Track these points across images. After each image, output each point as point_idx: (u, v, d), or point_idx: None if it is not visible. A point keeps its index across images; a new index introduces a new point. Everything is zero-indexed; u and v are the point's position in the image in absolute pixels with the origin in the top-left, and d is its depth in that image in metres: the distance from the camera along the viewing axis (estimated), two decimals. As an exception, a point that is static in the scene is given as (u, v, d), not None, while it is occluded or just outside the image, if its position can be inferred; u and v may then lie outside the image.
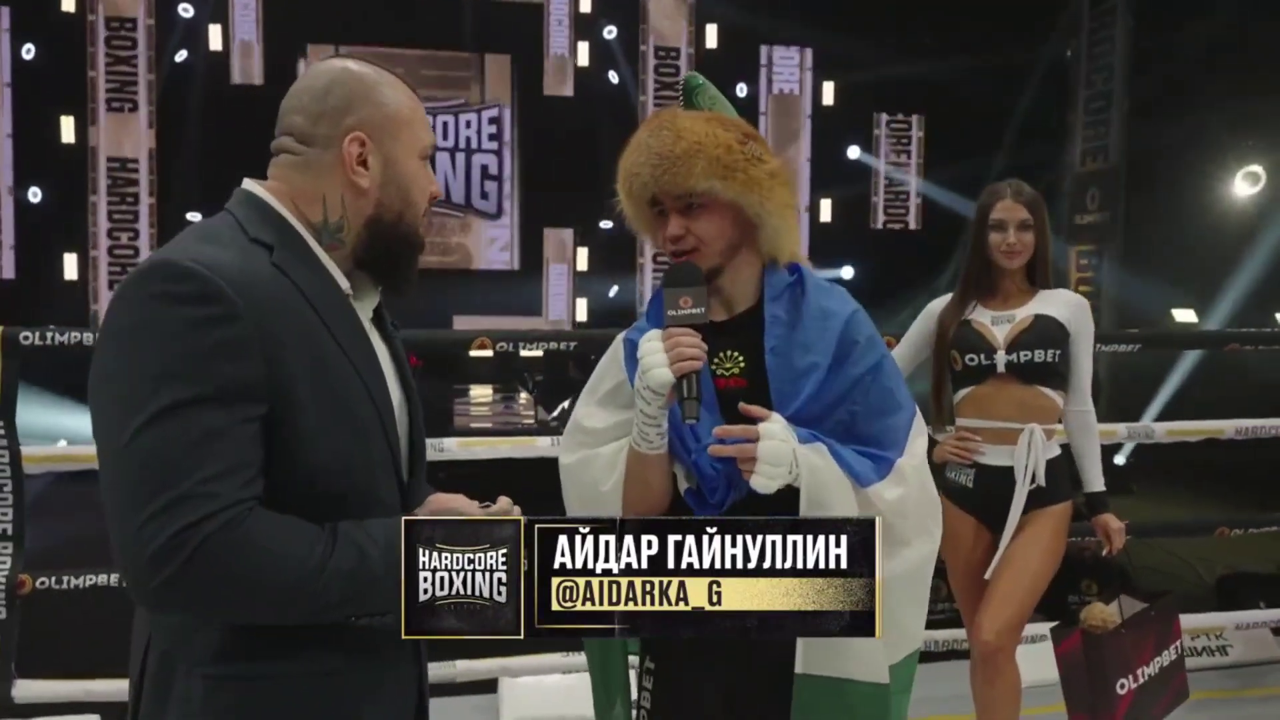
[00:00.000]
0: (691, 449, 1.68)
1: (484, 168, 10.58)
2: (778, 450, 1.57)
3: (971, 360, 2.84)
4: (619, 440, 1.71)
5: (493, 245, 10.67)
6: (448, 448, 2.88)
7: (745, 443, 1.58)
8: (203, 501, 1.18)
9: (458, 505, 1.39)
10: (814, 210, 10.62)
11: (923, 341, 2.99)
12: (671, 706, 1.74)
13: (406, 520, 1.32)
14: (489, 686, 3.54)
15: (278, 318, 1.26)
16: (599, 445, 1.74)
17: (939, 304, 3.00)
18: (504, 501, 1.41)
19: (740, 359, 1.70)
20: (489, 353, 10.03)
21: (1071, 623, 2.80)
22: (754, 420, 1.61)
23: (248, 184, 1.39)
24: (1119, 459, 8.60)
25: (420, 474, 1.51)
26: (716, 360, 1.70)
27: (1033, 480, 2.79)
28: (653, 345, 1.59)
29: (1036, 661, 3.40)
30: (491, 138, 10.53)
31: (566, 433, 1.79)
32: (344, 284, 1.39)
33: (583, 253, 10.62)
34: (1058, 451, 2.87)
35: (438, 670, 3.09)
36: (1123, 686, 2.75)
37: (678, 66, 10.37)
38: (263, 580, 1.21)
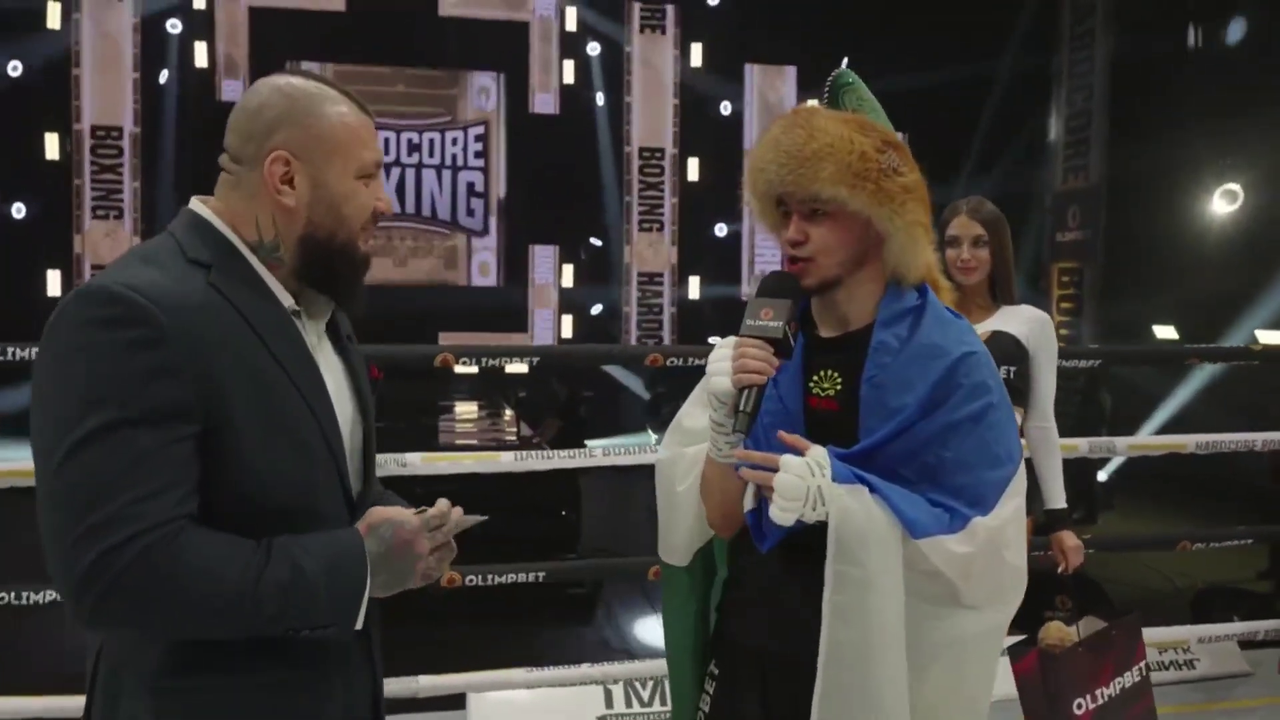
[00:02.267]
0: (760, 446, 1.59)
1: (470, 185, 10.61)
2: (792, 485, 1.48)
3: (929, 376, 2.86)
4: (703, 444, 1.65)
5: (478, 262, 10.70)
6: (410, 462, 2.89)
7: (766, 470, 1.50)
8: (129, 523, 1.19)
9: (393, 515, 1.40)
10: (798, 226, 10.63)
11: None
12: (726, 712, 1.70)
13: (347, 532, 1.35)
14: (457, 702, 3.53)
15: (210, 337, 1.27)
16: (692, 444, 1.69)
17: None
18: (442, 504, 1.42)
19: (839, 380, 1.60)
20: (474, 369, 10.08)
21: (1031, 641, 2.79)
22: (793, 450, 1.52)
23: (194, 203, 1.40)
24: (1101, 475, 8.64)
25: (371, 488, 1.52)
26: (815, 379, 1.62)
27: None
28: (722, 352, 1.54)
29: (1002, 677, 3.40)
30: (477, 155, 10.57)
31: (669, 430, 1.75)
32: (287, 301, 1.39)
33: (568, 270, 10.65)
34: (1018, 467, 2.88)
35: (400, 685, 3.09)
36: (1079, 706, 2.72)
37: (663, 84, 10.43)
38: (194, 598, 1.23)
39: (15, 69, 9.34)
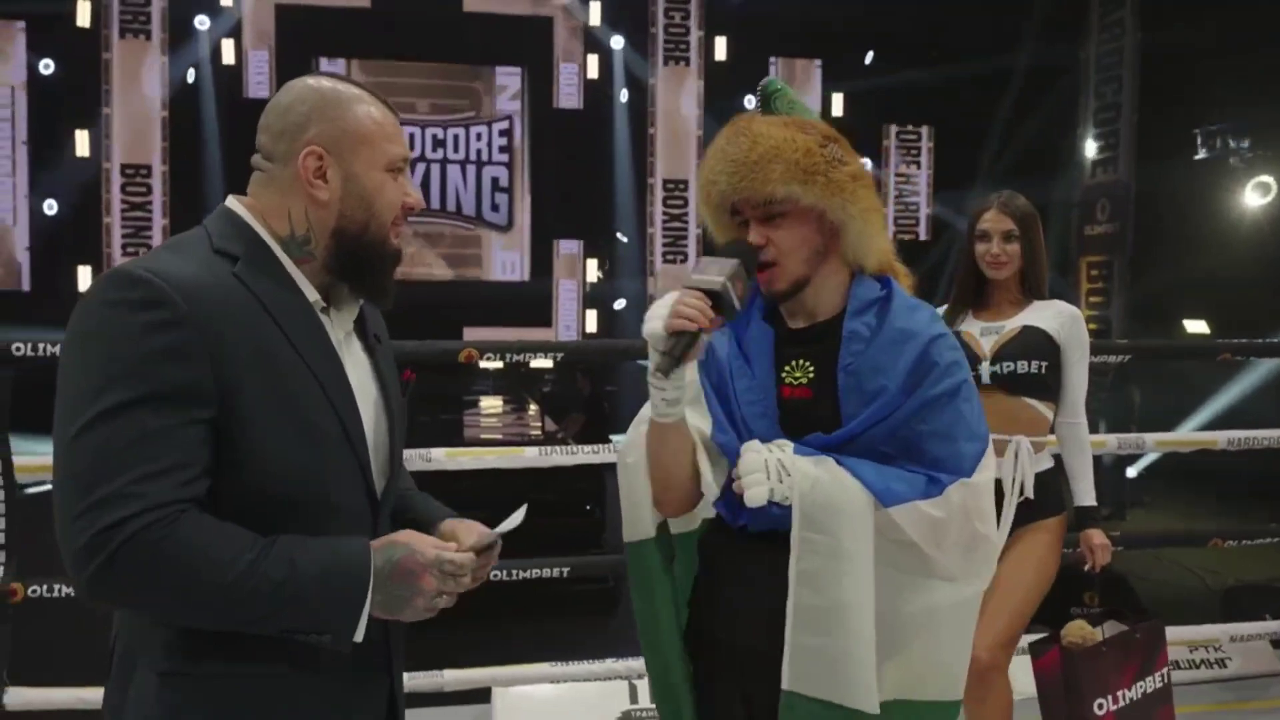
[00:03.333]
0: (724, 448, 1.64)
1: (494, 180, 10.64)
2: (750, 460, 1.54)
3: (957, 371, 2.84)
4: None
5: (503, 257, 10.72)
6: (435, 457, 2.89)
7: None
8: (129, 501, 1.22)
9: (413, 540, 1.38)
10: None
11: None
12: (708, 707, 1.72)
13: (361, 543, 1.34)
14: (482, 696, 3.54)
15: (229, 324, 1.29)
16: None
17: None
18: (464, 557, 1.39)
19: (810, 369, 1.65)
20: (499, 364, 10.10)
21: (1053, 639, 2.77)
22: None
23: (229, 200, 1.45)
24: (1131, 472, 8.56)
25: (395, 484, 1.53)
26: (787, 369, 1.67)
27: (1021, 493, 2.77)
28: (664, 300, 1.55)
29: (1023, 676, 3.38)
30: (502, 150, 10.59)
31: (631, 426, 1.76)
32: (312, 295, 1.42)
33: (592, 264, 10.65)
34: (1049, 464, 2.85)
35: (426, 680, 3.10)
36: (1100, 707, 2.70)
37: (687, 76, 10.40)
38: (187, 581, 1.24)
39: (47, 67, 9.43)
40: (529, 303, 10.52)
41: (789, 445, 1.59)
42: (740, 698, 1.67)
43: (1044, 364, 2.79)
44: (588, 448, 3.04)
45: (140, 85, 9.52)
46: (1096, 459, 2.99)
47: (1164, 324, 8.89)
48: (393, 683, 1.50)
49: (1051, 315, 2.85)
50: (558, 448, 3.04)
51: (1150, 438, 3.51)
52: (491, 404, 9.95)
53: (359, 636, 1.31)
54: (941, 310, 2.98)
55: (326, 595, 1.29)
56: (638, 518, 1.73)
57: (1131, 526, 7.71)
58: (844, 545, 1.53)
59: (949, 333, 1.67)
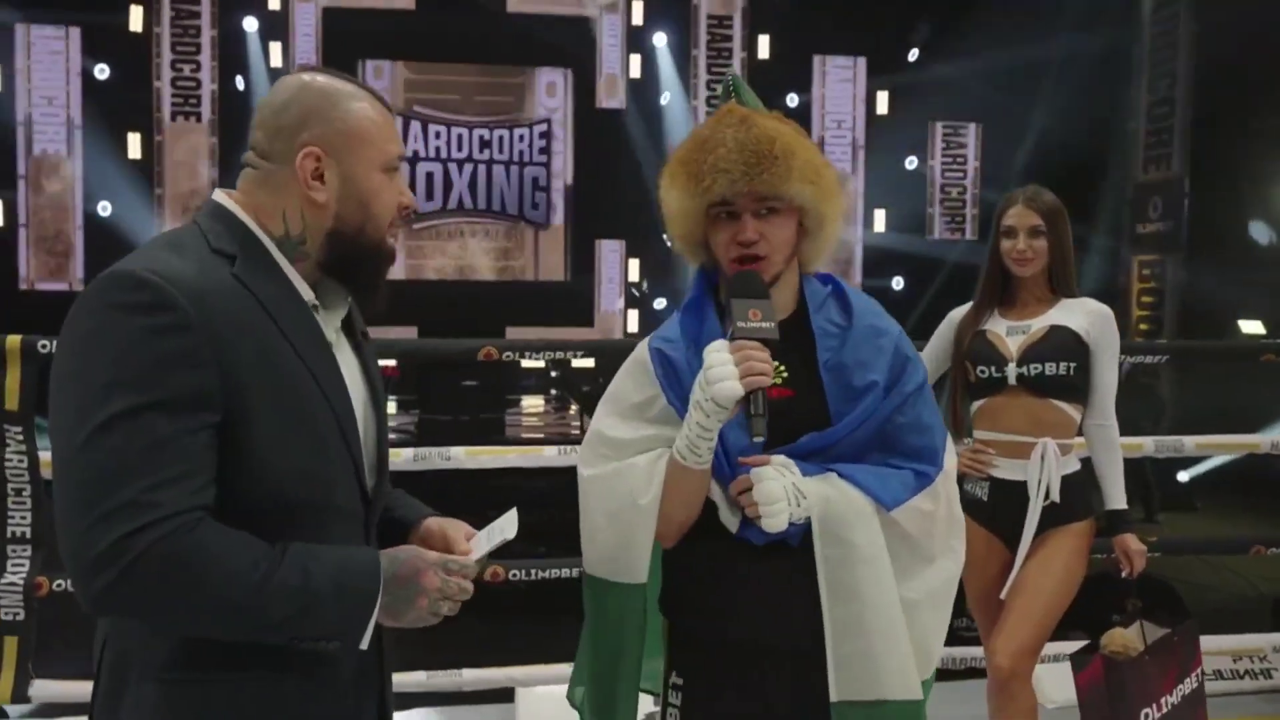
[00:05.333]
0: (726, 474, 1.64)
1: (534, 179, 10.66)
2: (771, 490, 1.56)
3: (983, 372, 2.77)
4: (650, 452, 1.64)
5: (546, 256, 10.74)
6: (455, 456, 2.89)
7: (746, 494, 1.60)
8: (145, 510, 1.19)
9: (420, 549, 1.38)
10: (868, 221, 10.51)
11: (944, 351, 2.93)
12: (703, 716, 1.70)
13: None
14: (506, 695, 3.53)
15: (233, 328, 1.28)
16: (626, 458, 1.66)
17: (960, 312, 2.93)
18: (470, 561, 1.39)
19: (784, 369, 1.64)
20: (540, 363, 10.10)
21: (1092, 648, 2.69)
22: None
23: (217, 194, 1.42)
24: (1182, 476, 8.35)
25: (384, 483, 1.52)
26: None
27: (1047, 496, 2.70)
28: (721, 356, 1.51)
29: (1064, 684, 3.30)
30: (542, 150, 10.61)
31: (586, 444, 1.72)
32: (307, 295, 1.40)
33: (634, 264, 10.63)
34: (1076, 467, 2.78)
35: (445, 679, 3.09)
36: (1146, 716, 2.63)
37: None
38: (202, 592, 1.22)
39: (102, 71, 9.62)
40: (571, 302, 10.52)
41: (793, 464, 1.61)
42: (755, 700, 1.66)
43: (1073, 365, 2.72)
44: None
45: (190, 88, 9.69)
46: (1135, 461, 2.90)
47: (1219, 324, 8.66)
48: (383, 686, 1.50)
49: (1081, 314, 2.77)
50: (577, 447, 3.01)
51: (1189, 440, 3.41)
52: (533, 403, 9.97)
53: (366, 644, 1.30)
54: (965, 309, 2.92)
55: (340, 602, 1.27)
56: (633, 561, 1.67)
57: (1176, 531, 7.55)
58: (863, 552, 1.60)
59: (901, 328, 1.76)
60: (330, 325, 1.44)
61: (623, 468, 1.65)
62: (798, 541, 1.60)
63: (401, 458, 2.84)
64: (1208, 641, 3.79)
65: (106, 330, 1.23)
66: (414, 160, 10.29)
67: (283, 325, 1.33)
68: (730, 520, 1.64)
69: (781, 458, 1.61)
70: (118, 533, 1.18)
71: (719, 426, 1.54)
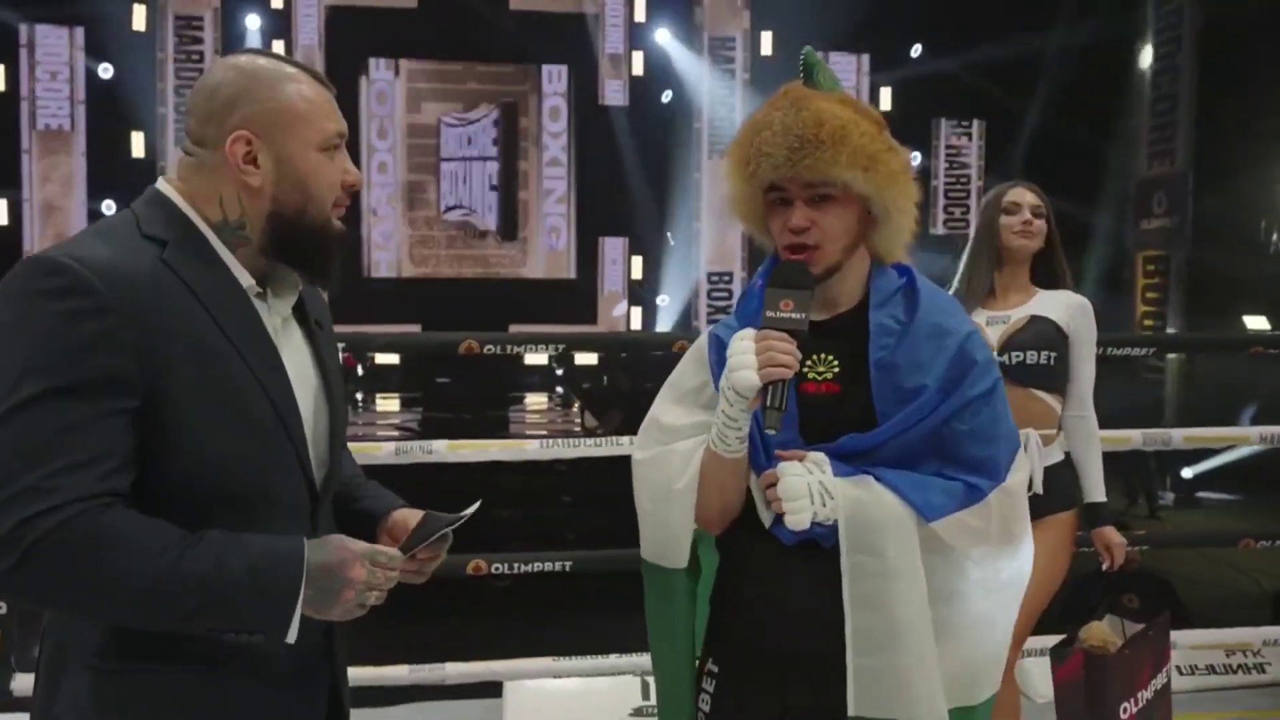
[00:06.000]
0: (763, 467, 1.59)
1: (535, 176, 10.67)
2: (792, 485, 1.50)
3: (963, 362, 2.76)
4: (697, 438, 1.62)
5: (550, 254, 10.75)
6: (436, 449, 2.89)
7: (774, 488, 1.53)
8: (44, 495, 1.18)
9: (347, 539, 1.34)
10: (871, 217, 10.47)
11: None
12: (732, 712, 1.66)
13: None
14: (494, 689, 3.53)
15: (156, 313, 1.26)
16: (675, 443, 1.64)
17: None
18: (394, 551, 1.36)
19: (835, 364, 1.58)
20: (544, 360, 10.11)
21: (1069, 642, 2.68)
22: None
23: (159, 181, 1.40)
24: (1187, 472, 8.32)
25: (337, 473, 1.49)
26: (809, 363, 1.59)
27: (1030, 488, 2.69)
28: (744, 345, 1.48)
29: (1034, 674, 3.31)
30: (544, 147, 10.61)
31: (643, 429, 1.70)
32: (246, 281, 1.37)
33: (637, 261, 10.64)
34: (1059, 458, 2.76)
35: (429, 673, 3.10)
36: (1125, 710, 2.62)
37: (733, 73, 10.33)
38: (105, 578, 1.20)
39: (106, 71, 9.66)
40: (574, 299, 10.53)
41: (826, 462, 1.54)
42: (777, 700, 1.61)
43: (1053, 355, 2.71)
44: (589, 441, 3.02)
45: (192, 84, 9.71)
46: (1141, 457, 2.88)
47: (1223, 319, 8.61)
48: (336, 682, 1.47)
49: (1060, 305, 2.76)
50: (558, 440, 3.02)
51: (1177, 433, 3.39)
52: (537, 400, 10.01)
53: (292, 637, 1.27)
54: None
55: (255, 593, 1.24)
56: (674, 545, 1.65)
57: (1179, 527, 7.51)
58: (893, 564, 1.51)
59: (977, 328, 1.64)
60: (276, 312, 1.41)
61: (665, 452, 1.63)
62: (830, 544, 1.53)
63: (383, 452, 2.85)
64: (1201, 636, 3.79)
65: (23, 318, 1.23)
66: (413, 157, 10.31)
67: (212, 309, 1.30)
68: (765, 515, 1.59)
69: (817, 454, 1.54)
70: (15, 518, 1.17)
71: (744, 417, 1.50)
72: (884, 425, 1.54)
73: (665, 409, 1.68)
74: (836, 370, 1.58)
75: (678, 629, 1.70)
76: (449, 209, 10.56)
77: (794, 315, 1.48)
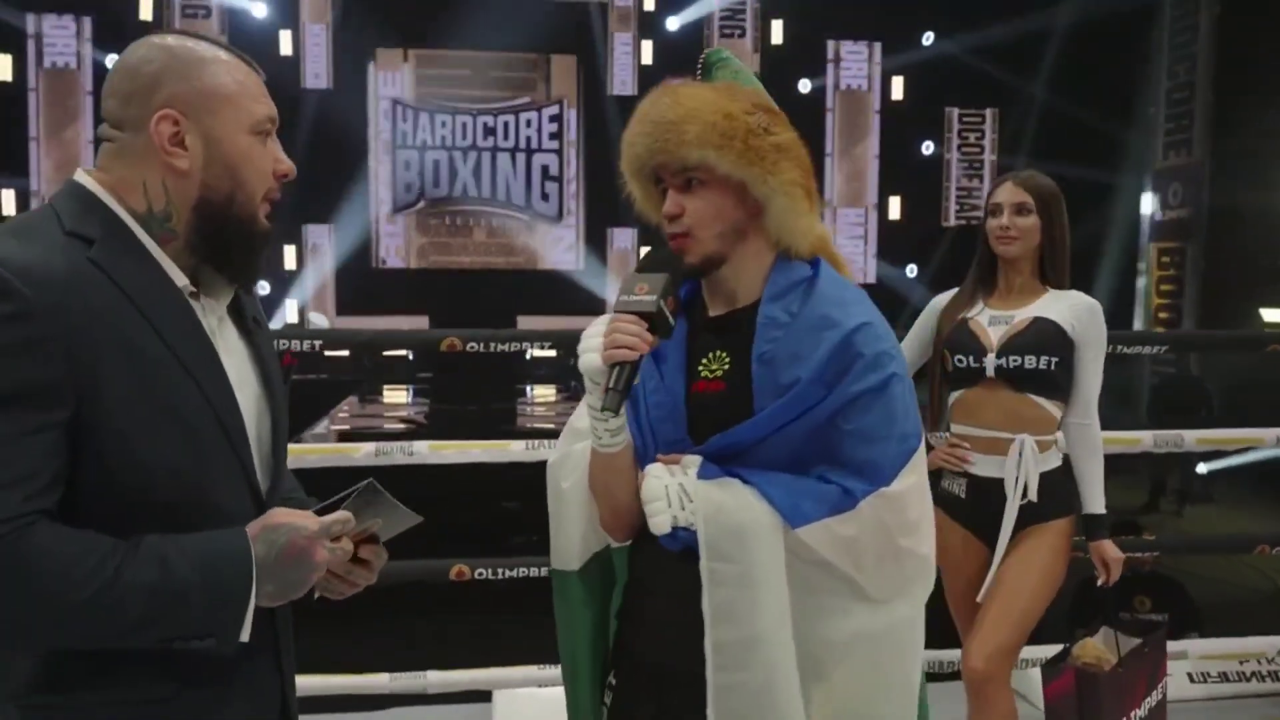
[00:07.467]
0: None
1: (545, 168, 10.60)
2: (651, 487, 1.44)
3: (960, 362, 2.66)
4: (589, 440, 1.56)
5: (558, 245, 10.68)
6: (418, 451, 2.83)
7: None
8: None
9: (293, 519, 1.28)
10: (883, 208, 10.38)
11: (925, 339, 2.82)
12: None
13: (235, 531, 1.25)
14: (483, 696, 3.48)
15: (84, 314, 1.18)
16: (577, 444, 1.60)
17: (943, 299, 2.82)
18: (342, 514, 1.31)
19: (727, 360, 1.52)
20: (553, 353, 10.04)
21: (1062, 658, 2.59)
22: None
23: (78, 174, 1.31)
24: (1201, 468, 8.19)
25: (282, 482, 1.42)
26: (704, 361, 1.54)
27: (1024, 495, 2.60)
28: (595, 329, 1.46)
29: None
30: (552, 137, 10.54)
31: (562, 435, 1.67)
32: (180, 279, 1.30)
33: (645, 252, 10.56)
34: (1056, 463, 2.67)
35: (410, 680, 3.03)
36: (1118, 729, 2.54)
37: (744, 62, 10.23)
38: (41, 599, 1.13)
39: (113, 61, 9.64)
40: (582, 291, 10.47)
41: (695, 464, 1.47)
42: (654, 715, 1.56)
43: (1054, 360, 2.60)
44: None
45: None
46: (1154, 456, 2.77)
47: (1239, 313, 8.48)
48: (283, 682, 1.41)
49: (1067, 307, 2.66)
50: (545, 441, 2.94)
51: (1189, 434, 3.29)
52: (544, 394, 9.94)
53: (245, 636, 1.22)
54: (949, 295, 2.81)
55: (207, 593, 1.18)
56: (564, 547, 1.62)
57: (1194, 525, 7.41)
58: (753, 573, 1.42)
59: (879, 321, 1.52)
60: (212, 312, 1.33)
61: (567, 454, 1.61)
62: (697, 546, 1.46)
63: (362, 452, 2.78)
64: (1213, 645, 3.70)
65: None
66: (422, 148, 10.25)
67: (146, 311, 1.23)
68: (650, 521, 1.52)
69: (691, 456, 1.48)
70: None
71: (611, 410, 1.44)
72: (749, 421, 1.46)
73: (580, 411, 1.62)
74: (727, 367, 1.52)
75: (576, 637, 1.66)
76: (451, 199, 10.49)
77: (645, 298, 1.43)
